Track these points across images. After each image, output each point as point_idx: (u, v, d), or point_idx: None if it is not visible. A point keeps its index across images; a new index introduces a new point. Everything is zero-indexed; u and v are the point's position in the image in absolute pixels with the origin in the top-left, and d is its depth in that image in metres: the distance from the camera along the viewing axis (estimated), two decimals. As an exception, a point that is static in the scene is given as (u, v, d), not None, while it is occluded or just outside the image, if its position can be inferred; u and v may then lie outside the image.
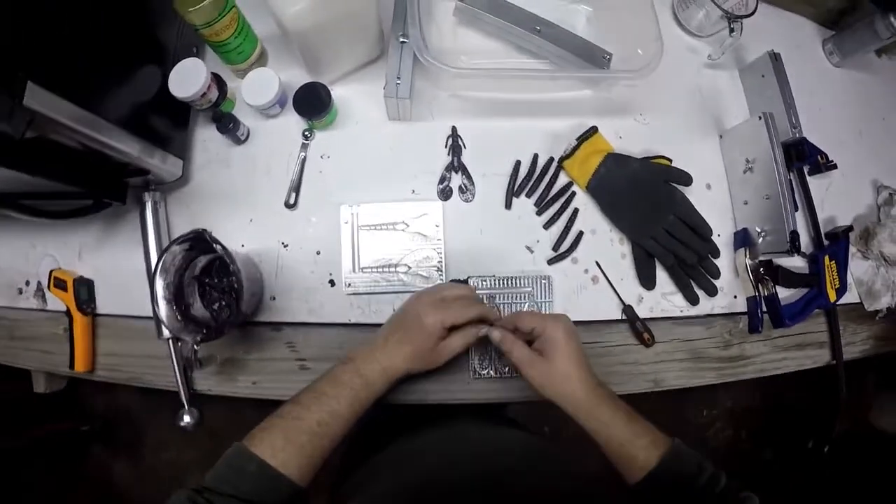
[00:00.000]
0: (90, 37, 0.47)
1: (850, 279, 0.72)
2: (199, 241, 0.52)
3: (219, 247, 0.51)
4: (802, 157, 0.67)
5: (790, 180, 0.64)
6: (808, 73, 0.76)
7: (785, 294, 0.68)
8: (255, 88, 0.60)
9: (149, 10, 0.57)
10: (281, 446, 0.43)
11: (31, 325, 0.65)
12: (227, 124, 0.60)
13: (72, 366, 0.61)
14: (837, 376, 0.71)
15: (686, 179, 0.65)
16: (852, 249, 0.73)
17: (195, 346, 0.52)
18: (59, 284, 0.61)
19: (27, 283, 0.65)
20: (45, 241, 0.65)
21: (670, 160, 0.67)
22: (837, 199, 0.74)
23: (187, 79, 0.56)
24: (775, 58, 0.68)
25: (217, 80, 0.61)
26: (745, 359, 0.68)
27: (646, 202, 0.64)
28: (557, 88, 0.66)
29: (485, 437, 0.58)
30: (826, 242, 0.71)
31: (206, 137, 0.64)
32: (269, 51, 0.67)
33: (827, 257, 0.68)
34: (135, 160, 0.52)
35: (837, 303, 0.69)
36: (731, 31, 0.63)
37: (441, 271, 0.61)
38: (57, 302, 0.62)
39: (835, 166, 0.70)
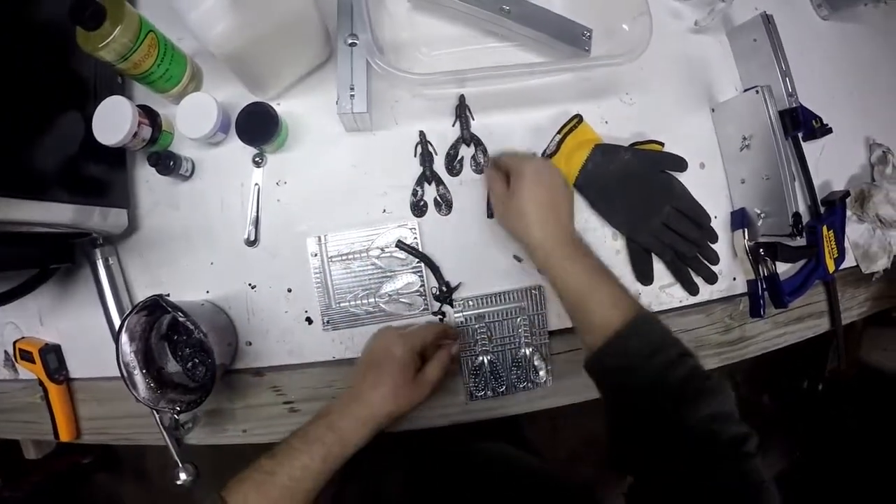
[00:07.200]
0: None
1: (846, 244, 0.70)
2: (157, 307, 0.48)
3: (180, 314, 0.47)
4: (797, 125, 0.62)
5: (789, 156, 0.59)
6: (797, 30, 0.69)
7: (783, 268, 0.65)
8: (191, 119, 0.53)
9: (56, 49, 0.48)
10: (254, 500, 0.42)
11: (8, 396, 0.62)
12: (168, 164, 0.53)
13: (56, 436, 0.58)
14: (836, 346, 0.71)
15: (681, 165, 0.61)
16: (848, 213, 0.70)
17: (176, 417, 0.49)
18: (26, 356, 0.58)
19: (-6, 354, 0.61)
20: (3, 309, 0.59)
21: (662, 144, 0.62)
22: (831, 162, 0.70)
23: (113, 121, 0.49)
24: (768, 20, 0.60)
25: (148, 113, 0.53)
26: (746, 340, 0.67)
27: (640, 195, 0.59)
28: (534, 76, 0.59)
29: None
30: (822, 209, 0.67)
31: (148, 177, 0.58)
32: (203, 67, 0.59)
33: (825, 227, 0.65)
34: (69, 229, 0.47)
35: (836, 272, 0.67)
36: (723, -6, 0.56)
37: (424, 296, 0.58)
38: (27, 370, 0.59)
39: (830, 130, 0.65)
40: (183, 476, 0.57)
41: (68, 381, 0.59)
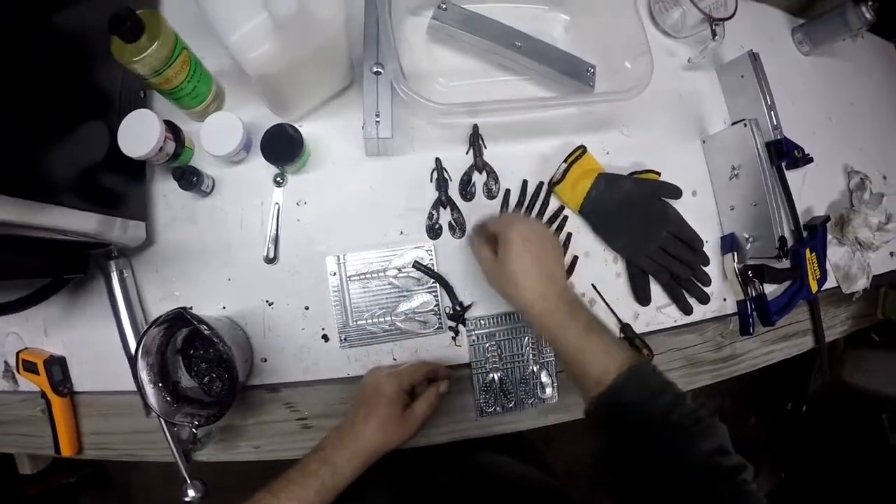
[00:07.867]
0: (13, 101, 0.41)
1: (827, 266, 0.75)
2: (180, 320, 0.49)
3: (204, 327, 0.47)
4: (781, 155, 0.67)
5: (775, 184, 0.64)
6: (780, 65, 0.76)
7: (769, 289, 0.70)
8: (215, 137, 0.54)
9: (84, 59, 0.49)
10: None
11: (6, 408, 0.60)
12: (192, 179, 0.54)
13: (57, 450, 0.57)
14: (820, 362, 0.75)
15: (676, 193, 0.65)
16: (829, 237, 0.75)
17: (195, 431, 0.49)
18: (30, 367, 0.56)
19: (-7, 364, 0.59)
20: (6, 318, 0.58)
21: (659, 173, 0.66)
22: (812, 189, 0.76)
23: (139, 134, 0.50)
24: (754, 58, 0.66)
25: (172, 128, 0.55)
26: (736, 357, 0.70)
27: (639, 221, 0.63)
28: (546, 109, 0.63)
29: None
30: (805, 234, 0.72)
31: (166, 191, 0.58)
32: (226, 86, 0.60)
33: (808, 251, 0.70)
34: (90, 238, 0.47)
35: (819, 292, 0.72)
36: (714, 34, 0.61)
37: (439, 315, 0.59)
38: (29, 382, 0.57)
39: (811, 160, 0.71)
40: (191, 493, 0.56)
41: (72, 395, 0.58)
